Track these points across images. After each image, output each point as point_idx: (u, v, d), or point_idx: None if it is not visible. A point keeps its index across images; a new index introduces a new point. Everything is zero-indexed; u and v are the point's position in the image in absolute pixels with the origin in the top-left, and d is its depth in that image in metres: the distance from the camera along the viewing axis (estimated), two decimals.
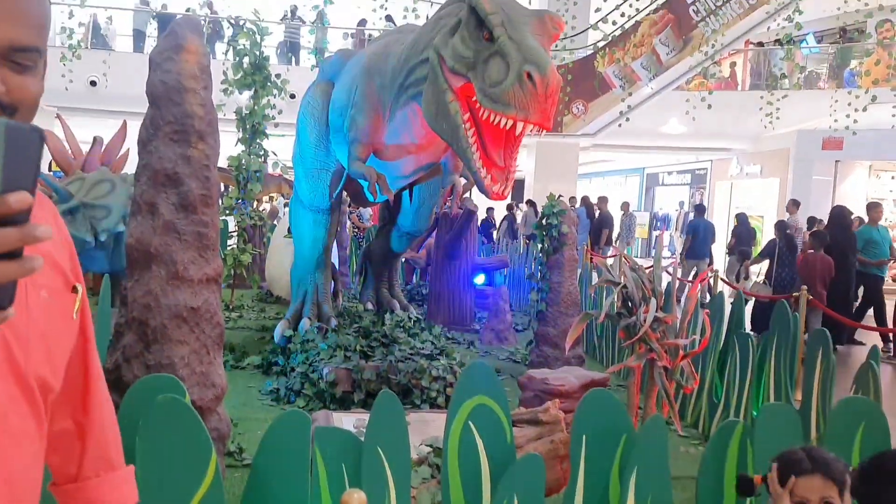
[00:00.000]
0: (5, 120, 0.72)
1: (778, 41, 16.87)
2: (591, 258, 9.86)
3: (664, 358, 3.26)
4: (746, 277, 9.81)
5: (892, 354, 8.55)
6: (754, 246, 12.95)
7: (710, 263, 12.02)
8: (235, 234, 9.31)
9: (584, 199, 15.54)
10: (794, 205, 12.98)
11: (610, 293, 3.64)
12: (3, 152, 0.70)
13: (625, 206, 17.93)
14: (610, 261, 8.68)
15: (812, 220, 11.75)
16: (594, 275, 7.81)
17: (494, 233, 16.55)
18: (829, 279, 8.26)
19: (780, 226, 9.62)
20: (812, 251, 8.47)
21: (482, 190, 3.77)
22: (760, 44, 17.70)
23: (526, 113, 3.41)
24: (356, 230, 13.42)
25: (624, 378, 6.02)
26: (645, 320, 3.16)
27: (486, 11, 3.67)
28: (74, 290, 1.04)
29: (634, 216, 18.67)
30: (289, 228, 8.46)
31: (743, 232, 12.63)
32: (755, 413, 4.80)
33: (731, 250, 12.66)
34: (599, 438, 2.58)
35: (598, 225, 14.75)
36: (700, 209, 13.22)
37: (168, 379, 2.33)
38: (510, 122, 3.49)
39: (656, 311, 3.19)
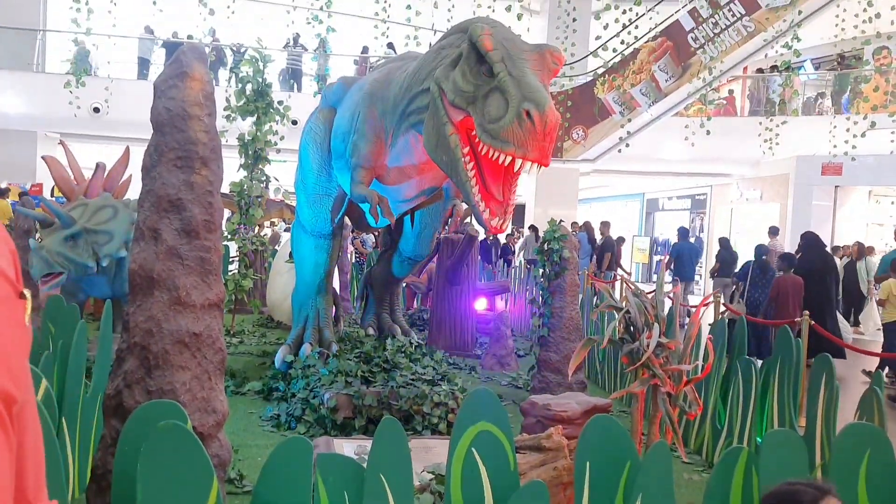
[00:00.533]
0: None
1: (774, 67, 17.02)
2: (593, 283, 9.87)
3: (668, 384, 3.25)
4: (742, 300, 9.88)
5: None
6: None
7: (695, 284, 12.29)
8: (237, 259, 9.32)
9: (586, 225, 15.57)
10: (772, 232, 13.51)
11: (612, 318, 3.63)
12: None
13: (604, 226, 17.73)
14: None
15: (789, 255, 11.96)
16: (595, 299, 7.81)
17: (514, 259, 16.33)
18: (802, 298, 8.58)
19: (758, 250, 9.96)
20: (782, 273, 8.91)
21: (481, 223, 3.80)
22: (760, 70, 17.84)
23: (524, 150, 3.45)
24: (358, 255, 13.44)
25: (626, 404, 5.99)
26: (648, 346, 3.16)
27: (486, 48, 3.71)
28: (22, 296, 1.03)
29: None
30: (290, 253, 8.48)
31: (726, 256, 12.85)
32: (759, 439, 4.77)
33: (714, 273, 13.05)
34: (603, 465, 2.56)
35: (601, 249, 14.78)
36: (683, 233, 13.65)
37: (170, 405, 2.32)
38: (508, 159, 3.53)
39: (659, 337, 3.18)
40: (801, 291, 8.60)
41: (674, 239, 22.85)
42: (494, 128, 3.54)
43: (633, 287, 3.52)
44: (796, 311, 8.25)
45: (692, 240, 16.32)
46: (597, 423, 2.52)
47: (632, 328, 3.31)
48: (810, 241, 9.70)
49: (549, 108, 3.43)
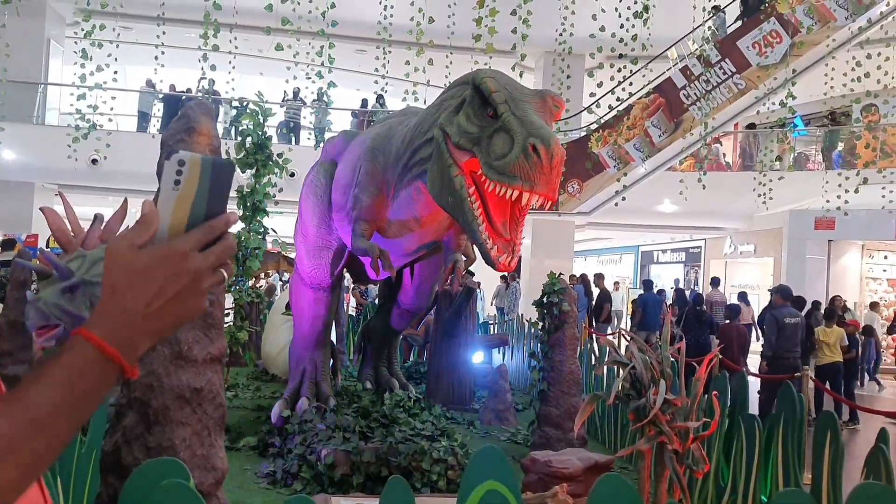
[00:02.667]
0: (210, 157, 0.88)
1: (766, 126, 17.32)
2: (591, 335, 9.88)
3: (675, 441, 3.21)
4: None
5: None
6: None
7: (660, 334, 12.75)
8: (232, 310, 9.26)
9: (583, 277, 15.62)
10: (713, 283, 14.92)
11: (611, 372, 3.60)
12: (209, 185, 0.86)
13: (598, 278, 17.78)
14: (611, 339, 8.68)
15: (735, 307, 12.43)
16: (593, 353, 7.77)
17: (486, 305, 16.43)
18: (745, 344, 9.56)
19: (694, 298, 11.05)
20: (728, 321, 9.84)
21: (488, 261, 3.78)
22: (752, 125, 18.13)
23: (532, 184, 3.45)
24: (357, 306, 13.40)
25: (627, 461, 5.90)
26: (655, 402, 3.12)
27: (489, 90, 3.77)
28: None
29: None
30: (287, 305, 8.43)
31: (682, 305, 13.37)
32: (763, 498, 4.70)
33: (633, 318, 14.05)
34: None
35: (598, 301, 14.83)
36: (648, 284, 14.48)
37: (172, 462, 2.27)
38: (516, 193, 3.53)
39: (666, 393, 3.15)
40: (745, 339, 9.55)
41: (669, 293, 23.01)
42: (501, 164, 3.56)
43: (637, 342, 3.50)
44: (740, 356, 9.13)
45: (657, 290, 16.87)
46: (606, 481, 2.48)
47: (637, 384, 3.28)
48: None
49: (555, 143, 3.46)
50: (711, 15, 14.21)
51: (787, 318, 8.69)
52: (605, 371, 6.35)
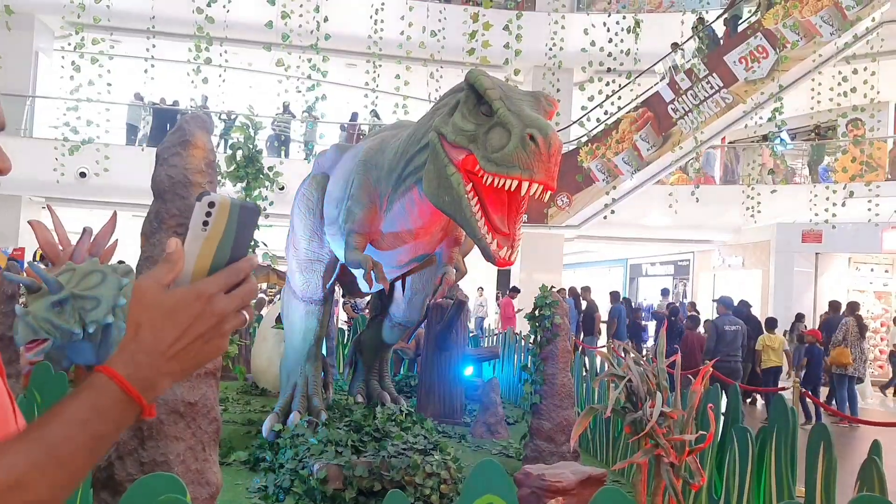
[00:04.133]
0: (239, 201, 0.90)
1: (755, 139, 17.47)
2: (581, 348, 9.91)
3: (671, 454, 3.21)
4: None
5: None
6: None
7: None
8: None
9: (572, 290, 15.66)
10: (663, 293, 16.51)
11: (614, 387, 3.61)
12: (235, 228, 0.88)
13: (585, 291, 17.87)
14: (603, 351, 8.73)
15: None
16: (584, 366, 7.77)
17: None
18: (704, 351, 10.18)
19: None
20: (690, 330, 11.07)
21: (488, 257, 3.76)
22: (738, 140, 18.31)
23: (531, 173, 3.45)
24: (349, 320, 13.36)
25: (620, 474, 5.90)
26: (652, 415, 3.12)
27: (484, 86, 3.78)
28: None
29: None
30: (276, 319, 8.39)
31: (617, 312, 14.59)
32: None
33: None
34: None
35: (588, 314, 14.87)
36: (616, 296, 15.11)
37: (168, 478, 2.24)
38: (515, 184, 3.52)
39: (662, 406, 3.15)
40: (703, 347, 10.38)
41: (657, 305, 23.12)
42: (498, 156, 3.55)
43: (633, 355, 3.51)
44: (700, 362, 9.42)
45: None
46: (604, 495, 2.47)
47: (634, 397, 3.28)
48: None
49: (552, 132, 3.47)
50: (698, 29, 14.37)
51: (727, 325, 9.96)
52: (599, 384, 6.35)
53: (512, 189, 3.55)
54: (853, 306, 11.90)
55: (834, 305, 12.84)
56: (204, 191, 1.02)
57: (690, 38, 14.89)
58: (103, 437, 0.84)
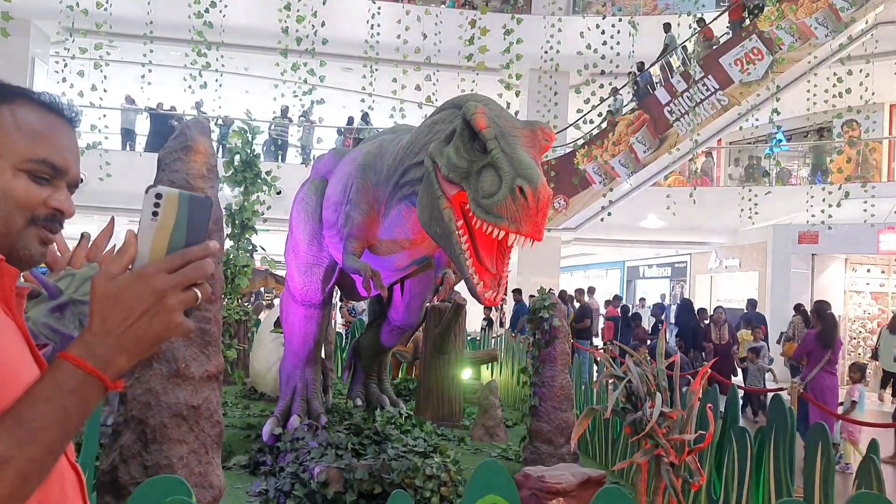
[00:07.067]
0: (187, 192, 0.97)
1: (750, 141, 17.54)
2: (575, 347, 9.95)
3: (671, 454, 3.23)
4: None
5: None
6: None
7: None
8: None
9: (562, 294, 15.71)
10: (589, 292, 16.39)
11: (615, 388, 3.63)
12: (186, 217, 0.95)
13: (579, 293, 18.00)
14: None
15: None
16: (578, 366, 7.78)
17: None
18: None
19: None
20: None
21: (475, 296, 3.82)
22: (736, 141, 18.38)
23: (518, 225, 3.51)
24: (346, 324, 13.37)
25: (619, 475, 5.92)
26: (652, 415, 3.14)
27: (479, 127, 3.81)
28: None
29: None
30: (275, 323, 8.40)
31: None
32: None
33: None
34: None
35: (580, 316, 14.86)
36: (590, 290, 16.17)
37: (174, 480, 2.26)
38: (502, 234, 3.58)
39: (662, 406, 3.17)
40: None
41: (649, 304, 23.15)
42: (488, 203, 3.60)
43: (634, 356, 3.53)
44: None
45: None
46: (606, 495, 2.49)
47: (633, 398, 3.30)
48: (684, 306, 13.17)
49: (541, 185, 3.51)
50: (696, 31, 14.43)
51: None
52: (599, 386, 6.37)
53: (499, 238, 3.62)
54: (807, 307, 12.40)
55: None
56: (150, 185, 1.09)
57: (687, 40, 14.95)
58: (70, 412, 0.93)
